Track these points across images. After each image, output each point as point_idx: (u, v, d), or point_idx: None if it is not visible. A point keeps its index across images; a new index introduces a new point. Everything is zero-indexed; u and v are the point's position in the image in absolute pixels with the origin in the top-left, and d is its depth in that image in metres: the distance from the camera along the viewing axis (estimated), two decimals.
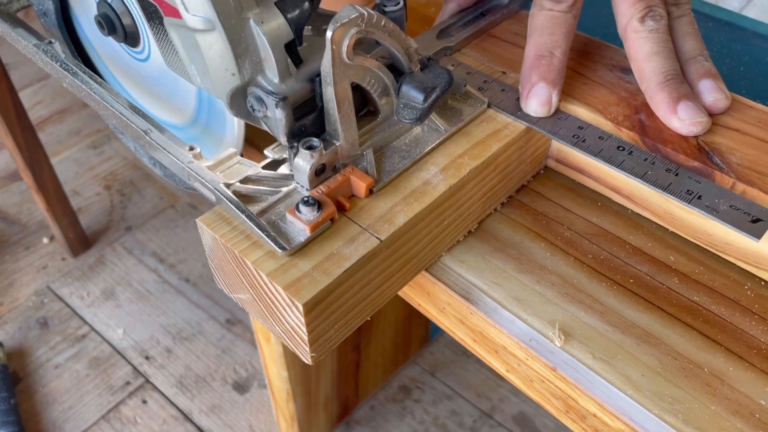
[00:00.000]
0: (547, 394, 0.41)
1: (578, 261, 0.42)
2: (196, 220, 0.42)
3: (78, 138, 1.71)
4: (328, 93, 0.38)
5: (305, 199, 0.37)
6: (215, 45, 0.37)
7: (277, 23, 0.38)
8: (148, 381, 1.25)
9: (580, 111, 0.47)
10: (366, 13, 0.37)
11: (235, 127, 0.46)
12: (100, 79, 0.48)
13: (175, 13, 0.37)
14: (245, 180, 0.40)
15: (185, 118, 0.51)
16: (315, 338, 0.38)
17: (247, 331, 1.32)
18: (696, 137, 0.44)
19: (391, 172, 0.41)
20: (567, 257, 0.43)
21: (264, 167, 0.41)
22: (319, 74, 0.39)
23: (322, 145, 0.39)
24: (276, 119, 0.39)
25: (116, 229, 1.51)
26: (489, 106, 0.46)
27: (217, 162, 0.41)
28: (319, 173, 0.39)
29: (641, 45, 0.45)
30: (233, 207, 0.38)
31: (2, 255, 1.47)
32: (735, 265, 0.42)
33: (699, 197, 0.41)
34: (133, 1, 0.44)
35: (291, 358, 0.87)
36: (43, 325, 1.34)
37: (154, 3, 0.39)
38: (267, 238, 0.37)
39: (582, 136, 0.45)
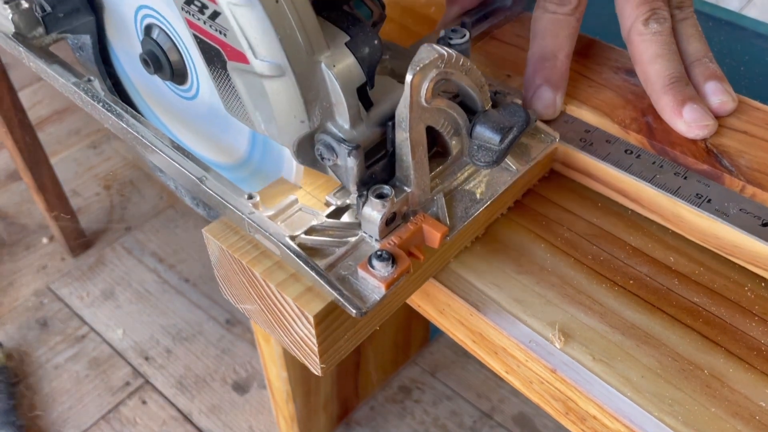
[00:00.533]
0: (546, 395, 0.40)
1: (578, 262, 0.42)
2: (203, 230, 0.41)
3: (78, 138, 1.71)
4: (402, 138, 0.36)
5: (378, 253, 0.35)
6: (284, 91, 0.35)
7: (349, 66, 0.35)
8: (147, 381, 1.25)
9: (587, 114, 0.47)
10: (446, 53, 0.35)
11: (292, 172, 0.43)
12: (145, 120, 0.46)
13: (240, 58, 0.35)
14: (310, 231, 0.38)
15: (234, 158, 0.48)
16: (325, 349, 0.38)
17: (247, 331, 1.32)
18: (704, 140, 0.44)
19: (464, 218, 0.39)
20: (567, 258, 0.43)
21: (328, 216, 0.39)
22: (390, 118, 0.37)
23: (393, 193, 0.37)
24: (347, 168, 0.36)
25: (116, 230, 1.51)
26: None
27: (278, 211, 0.39)
28: (390, 222, 0.37)
29: (645, 48, 0.45)
30: (300, 262, 0.36)
31: (2, 255, 1.46)
32: (735, 266, 0.42)
33: (708, 201, 0.40)
34: (182, 39, 0.42)
35: (291, 358, 0.87)
36: (42, 325, 1.34)
37: (217, 47, 0.36)
38: (340, 298, 0.35)
39: (589, 140, 0.45)
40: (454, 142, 0.39)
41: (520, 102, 0.46)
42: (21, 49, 0.51)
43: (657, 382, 0.36)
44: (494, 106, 0.39)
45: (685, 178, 0.42)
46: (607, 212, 0.45)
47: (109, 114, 0.46)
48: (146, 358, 1.28)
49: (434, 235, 0.37)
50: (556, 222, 0.45)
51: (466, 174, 0.41)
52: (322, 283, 0.35)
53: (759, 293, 0.40)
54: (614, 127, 0.45)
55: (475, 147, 0.38)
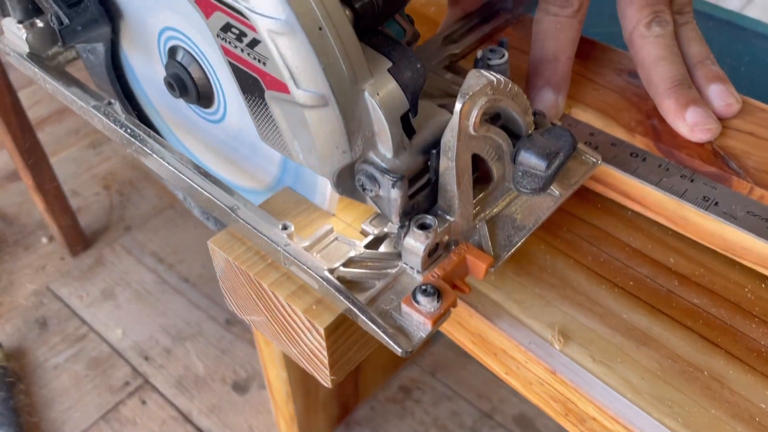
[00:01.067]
0: (546, 397, 0.40)
1: (578, 263, 0.42)
2: (208, 242, 0.40)
3: (77, 137, 1.71)
4: (448, 167, 0.35)
5: (423, 287, 0.33)
6: (326, 122, 0.33)
7: (393, 93, 0.34)
8: (147, 381, 1.25)
9: (591, 117, 0.46)
10: (495, 79, 0.33)
11: (326, 200, 0.41)
12: (170, 145, 0.44)
13: (280, 88, 0.33)
14: (348, 262, 0.36)
15: (262, 184, 0.47)
16: (335, 361, 0.37)
17: (246, 331, 1.32)
18: (710, 142, 0.44)
19: (507, 246, 0.37)
20: (567, 259, 0.42)
21: (366, 246, 0.37)
22: (433, 145, 0.35)
23: (437, 223, 0.35)
24: (390, 199, 0.35)
25: (115, 229, 1.51)
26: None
27: (313, 241, 0.37)
28: (432, 253, 0.36)
29: (648, 50, 0.45)
30: (341, 297, 0.35)
31: (1, 255, 1.46)
32: (736, 267, 0.42)
33: (716, 204, 0.40)
34: (210, 61, 0.41)
35: (290, 359, 0.87)
36: (42, 325, 1.34)
37: (255, 76, 0.34)
38: (384, 336, 0.33)
39: (594, 143, 0.44)
40: (496, 167, 0.38)
41: (558, 122, 0.45)
42: (36, 70, 0.49)
43: (657, 384, 0.36)
44: (535, 127, 0.38)
45: (692, 180, 0.41)
46: (607, 213, 0.45)
47: (132, 139, 0.44)
48: (146, 358, 1.28)
49: (479, 267, 0.36)
50: (556, 223, 0.45)
51: (507, 200, 0.39)
52: (365, 319, 0.34)
53: (759, 294, 0.40)
54: (620, 129, 0.45)
55: (520, 173, 0.36)
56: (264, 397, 1.22)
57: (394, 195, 0.35)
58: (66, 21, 0.43)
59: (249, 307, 0.40)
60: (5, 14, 0.50)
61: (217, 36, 0.35)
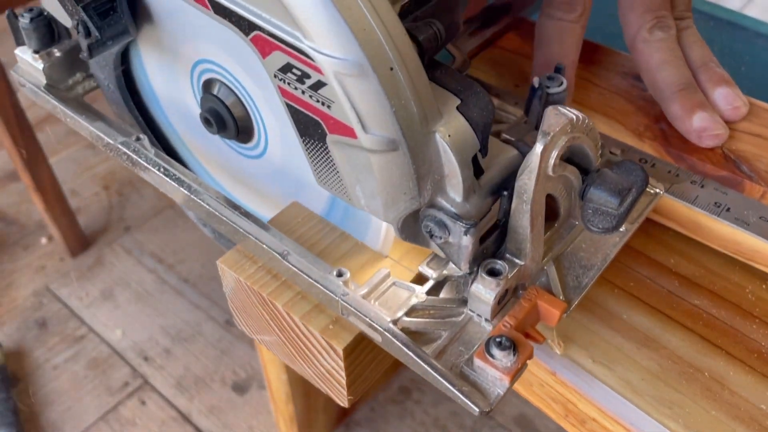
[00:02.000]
0: (546, 398, 0.40)
1: None
2: (217, 262, 0.38)
3: (76, 137, 1.71)
4: (522, 210, 0.32)
5: (498, 340, 0.31)
6: (395, 167, 0.31)
7: (464, 134, 0.32)
8: (146, 382, 1.25)
9: (598, 122, 0.46)
10: (574, 116, 0.32)
11: (379, 242, 0.39)
12: (207, 185, 0.41)
13: (345, 132, 0.31)
14: (410, 311, 0.34)
15: None
16: (352, 381, 0.37)
17: None
18: (720, 146, 0.44)
19: (577, 288, 0.35)
20: None
21: (427, 292, 0.35)
22: (502, 186, 0.34)
23: (507, 269, 0.33)
24: (461, 246, 0.33)
25: (115, 230, 1.51)
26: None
27: (371, 288, 0.35)
28: (501, 299, 0.34)
29: (651, 55, 0.45)
30: (409, 352, 0.32)
31: (0, 255, 1.46)
32: (736, 268, 0.41)
33: (728, 209, 0.40)
34: (250, 95, 0.39)
35: None
36: (41, 325, 1.34)
37: (317, 119, 0.32)
38: (459, 395, 0.31)
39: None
40: (563, 204, 0.36)
41: (619, 153, 0.43)
42: (56, 103, 0.47)
43: (657, 385, 0.36)
44: (605, 161, 0.36)
45: (702, 186, 0.41)
46: None
47: (167, 179, 0.42)
48: (145, 359, 1.28)
49: (552, 314, 0.34)
50: None
51: (571, 236, 0.37)
52: (436, 376, 0.32)
53: (760, 295, 0.40)
54: (628, 134, 0.45)
55: (590, 211, 0.34)
56: (264, 398, 1.22)
57: (465, 242, 0.33)
58: (96, 34, 0.39)
59: (260, 327, 0.39)
60: (19, 43, 0.47)
61: (275, 76, 0.32)
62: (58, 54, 0.47)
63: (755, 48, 0.67)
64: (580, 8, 0.46)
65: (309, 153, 0.35)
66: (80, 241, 1.45)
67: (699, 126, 0.43)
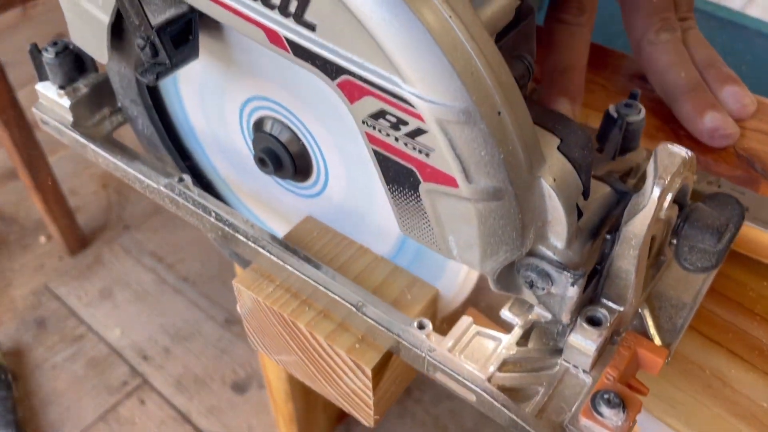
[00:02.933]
0: None
1: None
2: (233, 282, 0.37)
3: None
4: (629, 256, 0.30)
5: (606, 397, 0.29)
6: (498, 216, 0.29)
7: (567, 176, 0.30)
8: (146, 381, 1.25)
9: None
10: (686, 154, 0.29)
11: (454, 289, 0.36)
12: (265, 230, 0.39)
13: (445, 181, 0.29)
14: (502, 365, 0.32)
15: None
16: (378, 399, 0.36)
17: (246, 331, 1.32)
18: (732, 146, 0.44)
19: (673, 331, 0.33)
20: None
21: (517, 342, 0.33)
22: (601, 227, 0.32)
23: (608, 317, 0.31)
24: (566, 297, 0.31)
25: (114, 228, 1.51)
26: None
27: (455, 340, 0.33)
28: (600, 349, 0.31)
29: (658, 56, 0.46)
30: (510, 414, 0.30)
31: None
32: (737, 266, 0.41)
33: (747, 209, 0.39)
34: (311, 132, 0.37)
35: None
36: (40, 325, 1.34)
37: (411, 167, 0.30)
38: None
39: None
40: (657, 241, 0.33)
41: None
42: (85, 142, 0.43)
43: (658, 382, 0.36)
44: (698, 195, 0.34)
45: (719, 186, 0.41)
46: None
47: (220, 224, 0.39)
48: (144, 358, 1.28)
49: (654, 362, 0.31)
50: None
51: (659, 275, 0.35)
52: None
53: (761, 293, 0.40)
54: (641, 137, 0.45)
55: (686, 249, 0.32)
56: (263, 397, 1.22)
57: (571, 293, 0.30)
58: (167, 62, 0.35)
59: (279, 347, 0.38)
60: (42, 78, 0.45)
61: (363, 122, 0.30)
62: (84, 89, 0.44)
63: (756, 47, 0.67)
64: (588, 11, 0.46)
65: (395, 200, 0.32)
66: (79, 240, 1.45)
67: (710, 126, 0.44)
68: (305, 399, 1.00)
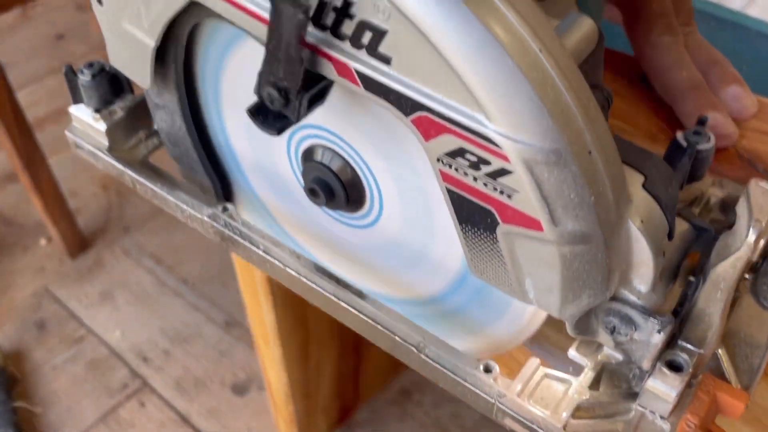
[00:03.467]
0: None
1: None
2: None
3: None
4: (715, 299, 0.29)
5: None
6: (583, 260, 0.27)
7: (654, 216, 0.28)
8: (146, 383, 1.25)
9: (611, 125, 0.46)
10: None
11: (517, 329, 0.35)
12: (320, 264, 0.38)
13: (528, 224, 0.27)
14: (576, 410, 0.30)
15: (412, 294, 0.40)
16: None
17: (246, 333, 1.32)
18: (732, 146, 0.44)
19: (749, 372, 0.31)
20: None
21: (589, 386, 0.31)
22: (678, 266, 0.30)
23: (689, 363, 0.29)
24: (650, 344, 0.29)
25: (114, 231, 1.51)
26: None
27: (523, 384, 0.31)
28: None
29: (661, 57, 0.46)
30: None
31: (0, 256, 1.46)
32: None
33: None
34: (370, 166, 0.35)
35: (290, 360, 0.86)
36: (40, 327, 1.34)
37: (489, 208, 0.28)
38: None
39: None
40: None
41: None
42: (124, 169, 0.42)
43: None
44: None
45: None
46: None
47: (267, 257, 0.37)
48: (144, 360, 1.28)
49: (735, 406, 0.30)
50: None
51: (733, 313, 0.34)
52: None
53: None
54: (641, 137, 0.45)
55: (766, 287, 0.30)
56: (263, 399, 1.22)
57: (656, 340, 0.29)
58: (294, 119, 0.31)
59: None
60: (76, 100, 0.43)
61: (438, 160, 0.28)
62: (120, 113, 0.43)
63: (757, 47, 0.67)
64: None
65: (467, 241, 0.30)
66: (79, 242, 1.45)
67: (711, 125, 0.44)
68: (305, 401, 1.00)
